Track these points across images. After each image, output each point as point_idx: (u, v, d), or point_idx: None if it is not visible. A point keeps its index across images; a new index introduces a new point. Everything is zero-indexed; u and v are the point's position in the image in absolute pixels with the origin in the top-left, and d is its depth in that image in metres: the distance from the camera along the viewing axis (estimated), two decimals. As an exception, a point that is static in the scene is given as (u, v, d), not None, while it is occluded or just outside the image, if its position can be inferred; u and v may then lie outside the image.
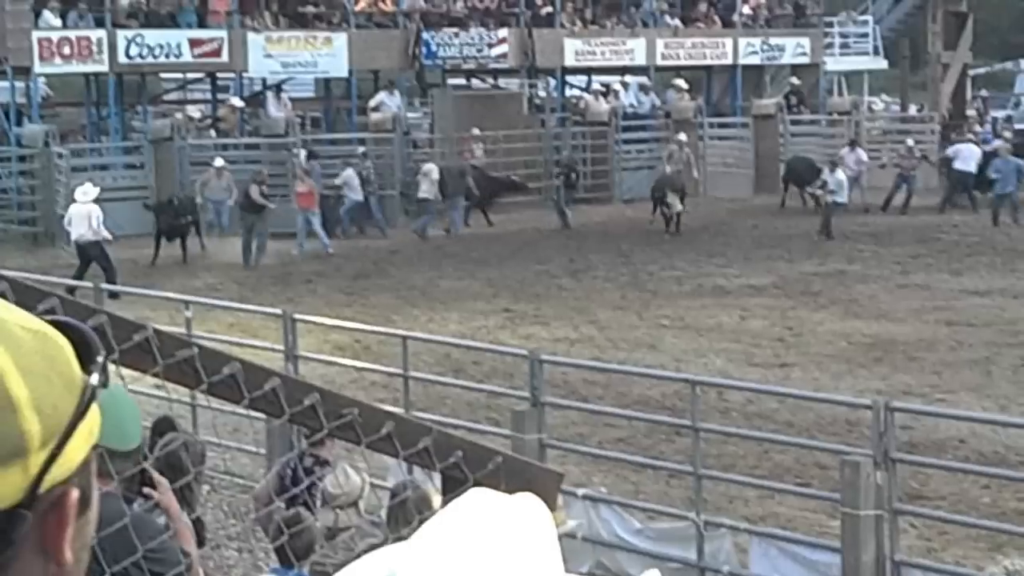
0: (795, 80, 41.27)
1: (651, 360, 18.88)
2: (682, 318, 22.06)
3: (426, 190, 31.51)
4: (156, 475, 5.35)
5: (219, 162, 30.65)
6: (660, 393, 16.76)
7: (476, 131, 34.73)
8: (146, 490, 5.05)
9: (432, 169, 31.86)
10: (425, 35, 37.27)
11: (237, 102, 36.34)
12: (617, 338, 20.75)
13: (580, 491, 11.97)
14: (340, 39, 36.21)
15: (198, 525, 6.76)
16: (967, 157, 33.89)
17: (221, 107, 36.76)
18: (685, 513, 11.52)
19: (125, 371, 2.82)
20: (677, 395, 15.79)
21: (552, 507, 3.91)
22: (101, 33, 33.76)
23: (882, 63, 47.58)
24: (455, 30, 37.66)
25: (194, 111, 37.07)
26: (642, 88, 39.91)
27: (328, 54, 36.10)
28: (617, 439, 15.07)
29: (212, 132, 35.11)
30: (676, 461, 13.26)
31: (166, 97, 42.57)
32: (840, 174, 31.26)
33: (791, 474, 13.86)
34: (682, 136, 35.51)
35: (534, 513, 1.69)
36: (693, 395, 11.73)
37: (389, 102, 35.90)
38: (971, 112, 41.55)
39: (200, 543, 6.20)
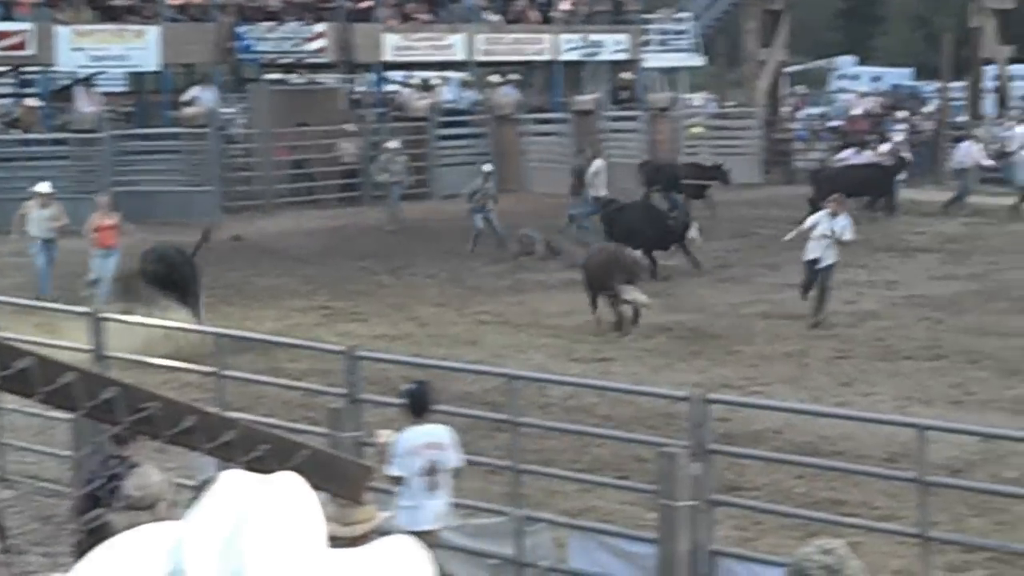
0: (627, 75, 41.69)
1: (471, 356, 18.94)
2: (502, 314, 22.16)
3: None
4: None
5: (44, 187, 24.73)
6: (480, 389, 16.82)
7: (351, 127, 34.77)
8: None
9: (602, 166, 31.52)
10: (240, 29, 36.89)
11: (34, 102, 35.48)
12: (437, 334, 20.78)
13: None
14: (152, 32, 35.65)
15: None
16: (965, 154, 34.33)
17: (18, 107, 35.69)
18: (504, 508, 11.58)
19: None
20: (497, 391, 15.85)
21: (360, 500, 3.90)
22: (-102, 24, 32.86)
23: (700, 60, 48.32)
24: (271, 24, 37.35)
25: None
26: (463, 84, 40.00)
27: (140, 47, 35.52)
28: (437, 436, 15.08)
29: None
30: (496, 457, 13.32)
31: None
32: (841, 221, 21.46)
33: (610, 468, 14.01)
34: (392, 143, 32.78)
35: (293, 490, 1.73)
36: (512, 390, 11.80)
37: (203, 97, 35.48)
38: (786, 109, 42.39)
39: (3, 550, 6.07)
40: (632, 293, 21.27)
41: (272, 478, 1.80)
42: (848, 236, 21.55)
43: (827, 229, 21.40)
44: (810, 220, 21.95)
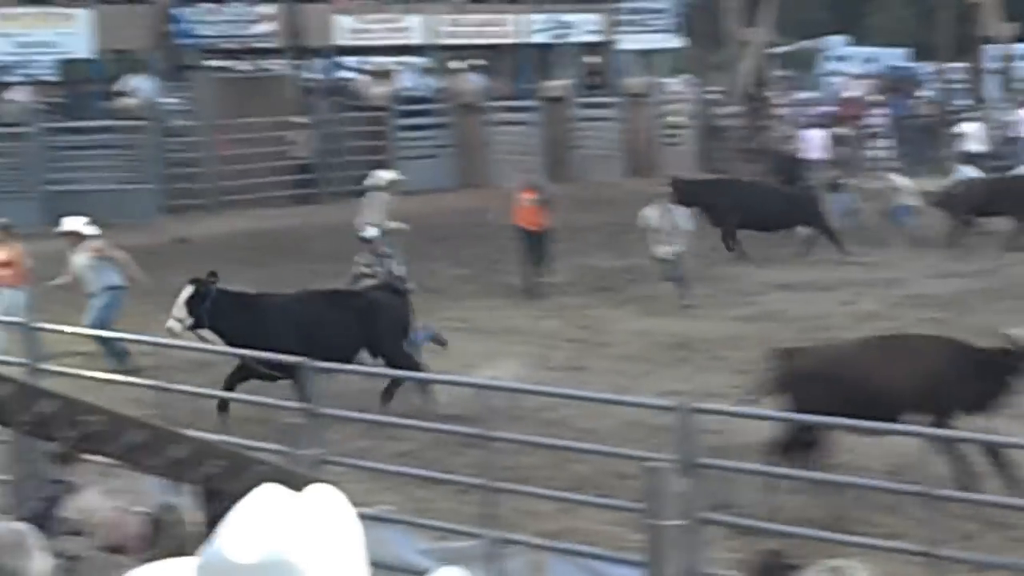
0: (595, 59, 41.68)
1: (438, 366, 18.87)
2: (471, 320, 22.10)
3: None
4: None
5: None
6: (448, 401, 16.76)
7: (302, 118, 34.79)
8: None
9: None
10: (179, 11, 36.73)
11: None
12: (400, 343, 20.68)
13: (362, 510, 11.88)
14: (82, 16, 35.46)
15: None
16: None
17: None
18: (477, 530, 11.52)
19: None
20: (467, 403, 15.81)
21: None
22: None
23: (679, 42, 48.28)
24: (213, 5, 37.19)
25: None
26: (422, 70, 39.91)
27: (69, 32, 35.34)
28: (402, 453, 15.03)
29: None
30: (467, 475, 13.27)
31: None
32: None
33: (590, 485, 13.97)
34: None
35: (329, 504, 1.77)
36: (483, 402, 11.73)
37: (140, 86, 35.33)
38: (772, 93, 42.41)
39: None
40: None
41: (306, 494, 1.87)
42: None
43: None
44: None
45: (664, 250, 23.56)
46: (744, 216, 27.21)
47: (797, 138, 36.81)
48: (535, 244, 24.92)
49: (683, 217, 24.09)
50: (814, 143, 33.74)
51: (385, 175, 25.10)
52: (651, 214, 24.01)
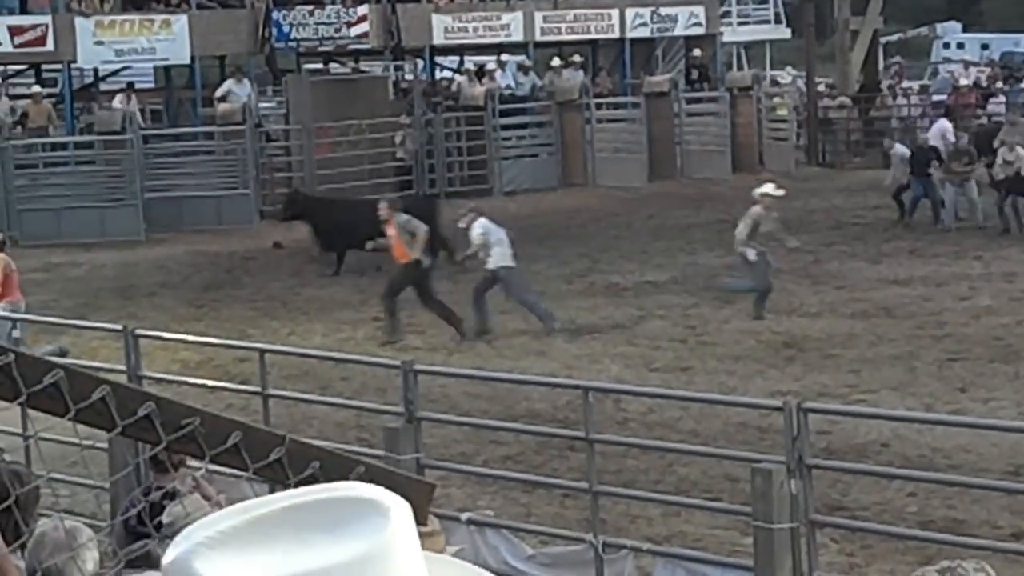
0: (697, 52, 41.56)
1: (540, 368, 18.93)
2: (573, 320, 22.13)
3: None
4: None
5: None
6: (551, 404, 16.83)
7: (403, 119, 34.90)
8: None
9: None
10: (275, 15, 37.09)
11: (38, 89, 35.67)
12: (501, 345, 20.79)
13: (464, 515, 11.97)
14: (180, 22, 35.92)
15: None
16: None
17: (27, 102, 35.55)
18: (581, 535, 11.57)
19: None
20: (569, 406, 15.87)
21: (423, 522, 3.92)
22: (-95, 21, 33.27)
23: (785, 32, 48.17)
24: (309, 8, 37.52)
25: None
26: (521, 67, 39.97)
27: (167, 39, 35.79)
28: (504, 457, 15.11)
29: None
30: (570, 479, 13.32)
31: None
32: None
33: (698, 488, 13.98)
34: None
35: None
36: (587, 404, 11.77)
37: (238, 91, 35.65)
38: (885, 83, 42.10)
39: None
40: None
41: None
42: None
43: None
44: None
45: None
46: (342, 233, 25.93)
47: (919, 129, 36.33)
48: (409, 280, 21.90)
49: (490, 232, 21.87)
50: (937, 133, 33.25)
51: (762, 188, 22.69)
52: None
